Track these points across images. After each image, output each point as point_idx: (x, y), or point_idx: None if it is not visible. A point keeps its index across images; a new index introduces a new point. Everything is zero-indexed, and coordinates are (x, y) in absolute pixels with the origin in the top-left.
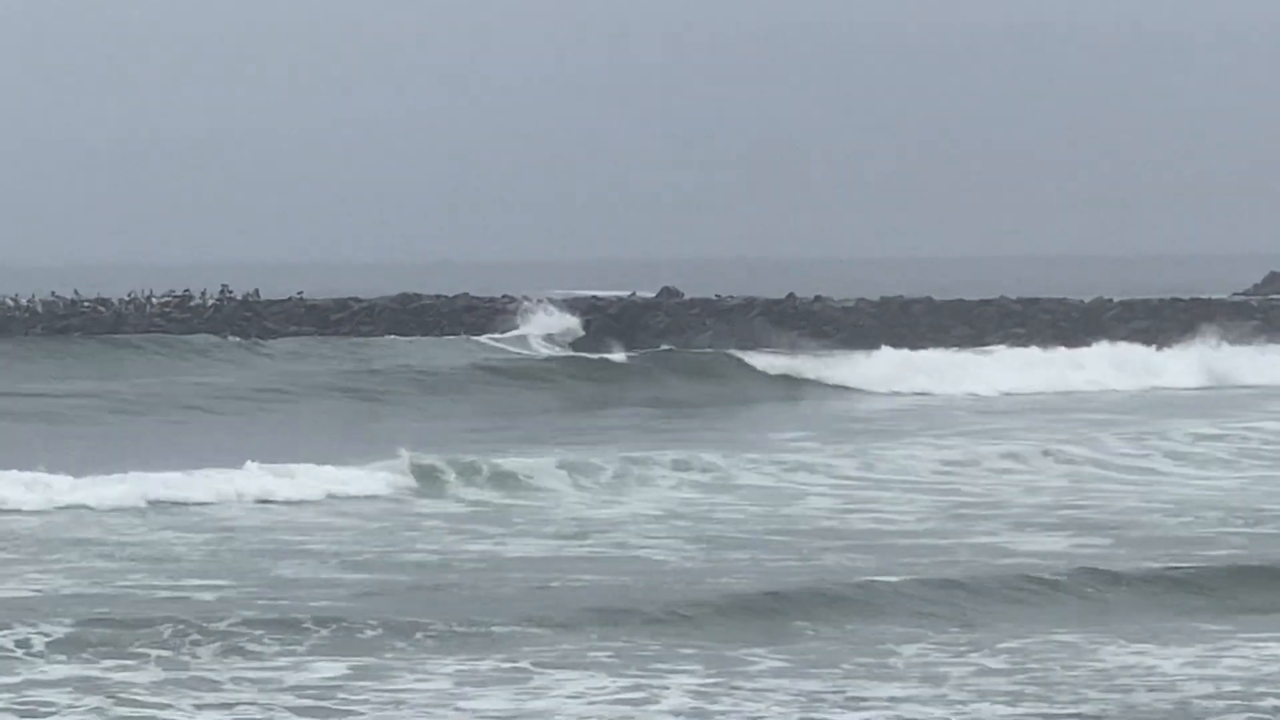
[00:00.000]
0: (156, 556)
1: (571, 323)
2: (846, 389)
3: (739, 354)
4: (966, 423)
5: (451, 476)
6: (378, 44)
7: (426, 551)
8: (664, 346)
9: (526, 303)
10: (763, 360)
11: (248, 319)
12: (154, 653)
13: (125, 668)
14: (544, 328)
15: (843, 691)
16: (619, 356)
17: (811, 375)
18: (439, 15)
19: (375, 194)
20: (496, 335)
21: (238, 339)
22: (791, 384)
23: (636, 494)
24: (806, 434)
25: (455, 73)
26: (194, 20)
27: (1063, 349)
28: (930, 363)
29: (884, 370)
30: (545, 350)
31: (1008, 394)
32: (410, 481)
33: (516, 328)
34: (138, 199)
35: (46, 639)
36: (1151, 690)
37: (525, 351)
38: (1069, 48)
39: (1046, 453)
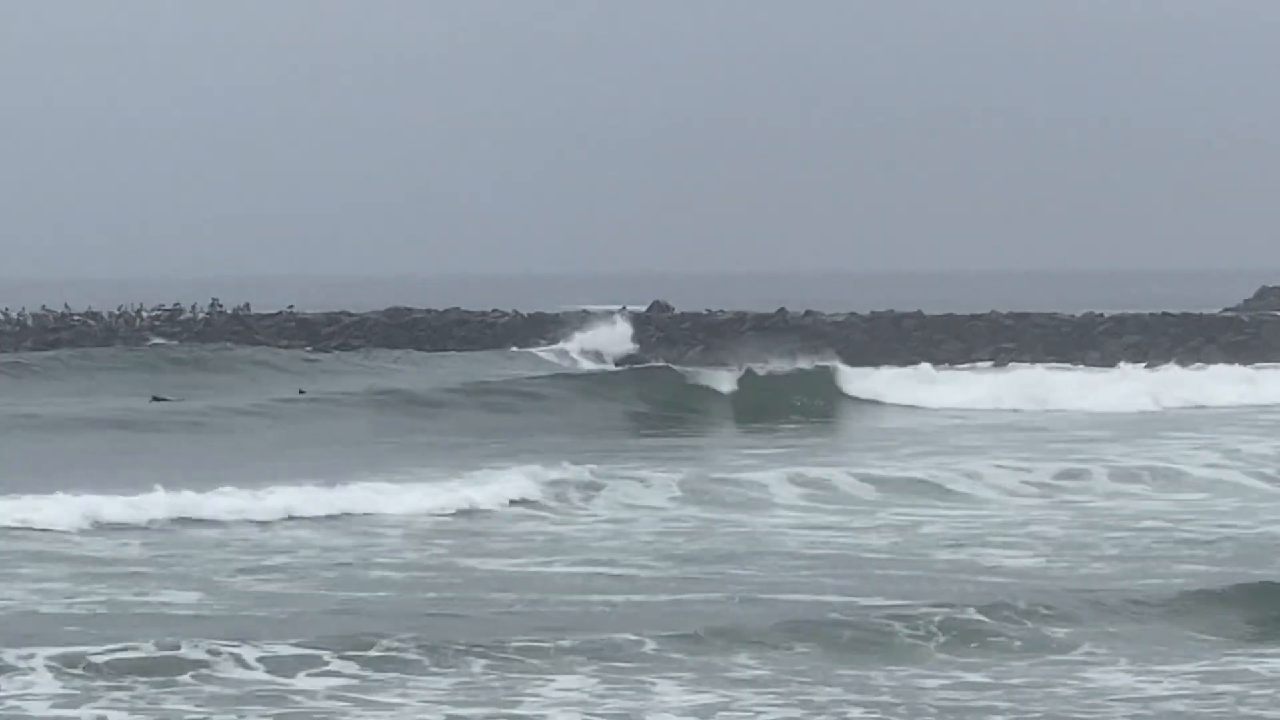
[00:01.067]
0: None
1: (624, 337)
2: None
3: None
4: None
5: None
6: (375, 48)
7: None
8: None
9: (570, 315)
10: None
11: (238, 332)
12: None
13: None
14: (590, 342)
15: (824, 700)
16: (724, 378)
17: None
18: (434, 24)
19: (361, 210)
20: (543, 348)
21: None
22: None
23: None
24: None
25: (444, 79)
26: (187, 27)
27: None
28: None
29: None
30: (588, 364)
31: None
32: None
33: (562, 340)
34: (129, 212)
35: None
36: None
37: (601, 366)
38: (1063, 60)
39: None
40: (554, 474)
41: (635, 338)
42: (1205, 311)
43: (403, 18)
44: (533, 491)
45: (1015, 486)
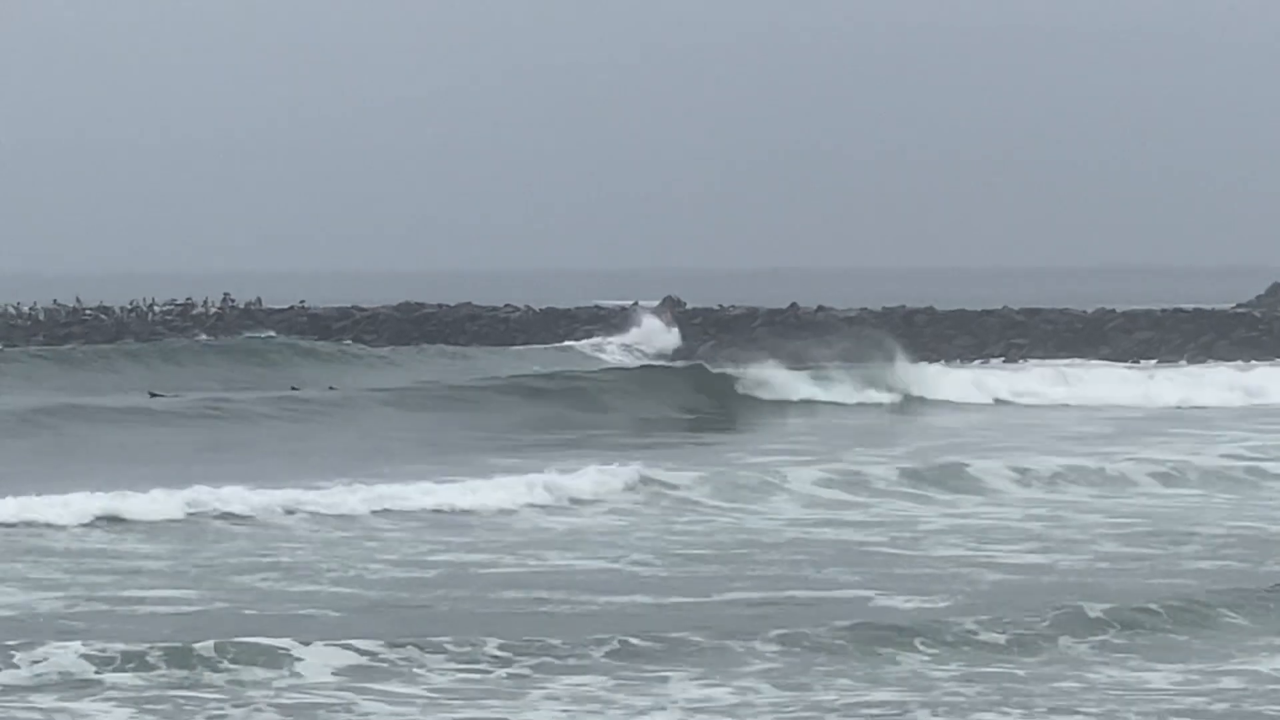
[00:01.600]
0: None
1: (668, 332)
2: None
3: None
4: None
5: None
6: (381, 49)
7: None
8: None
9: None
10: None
11: (249, 327)
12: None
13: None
14: (634, 338)
15: (835, 696)
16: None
17: None
18: (440, 23)
19: (374, 203)
20: (581, 342)
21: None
22: None
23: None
24: None
25: (453, 77)
26: (198, 28)
27: None
28: None
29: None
30: (624, 359)
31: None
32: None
33: (601, 335)
34: (141, 208)
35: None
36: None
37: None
38: (1074, 56)
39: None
40: (604, 473)
41: (680, 334)
42: (1217, 307)
43: (408, 17)
44: (582, 490)
45: (1048, 481)
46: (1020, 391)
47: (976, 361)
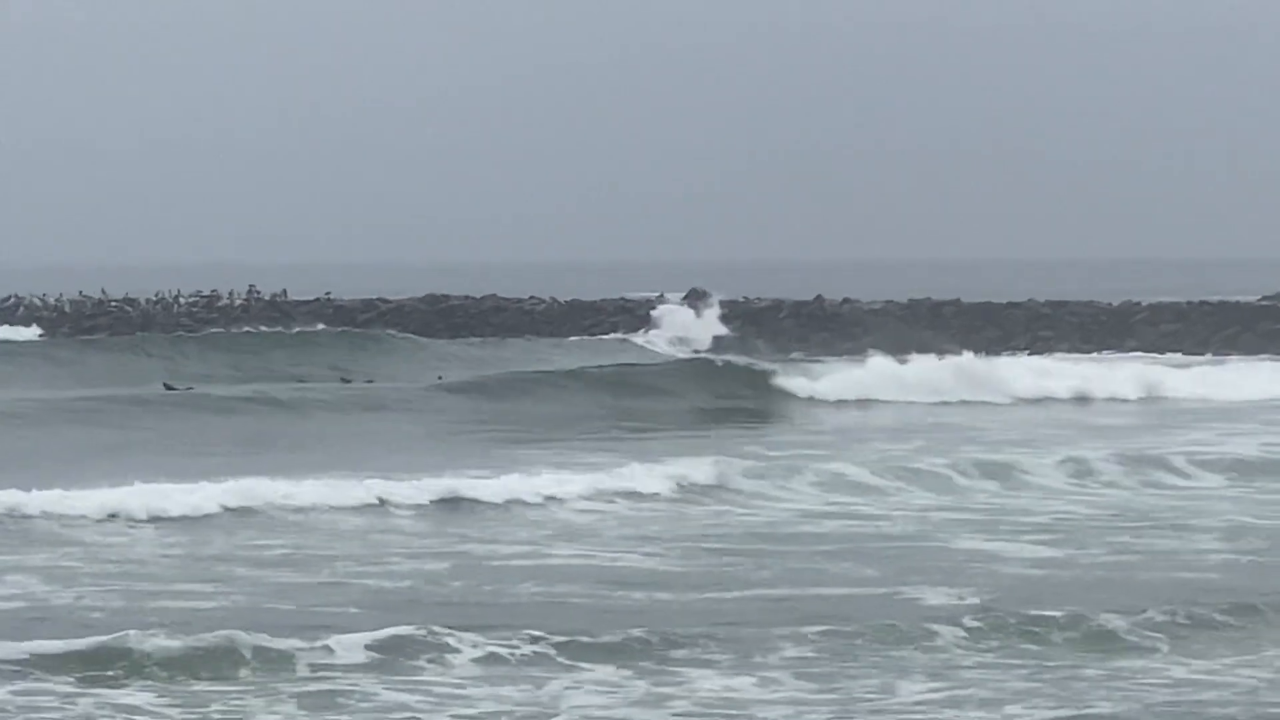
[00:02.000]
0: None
1: (712, 325)
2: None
3: None
4: None
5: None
6: (397, 43)
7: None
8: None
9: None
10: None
11: (275, 319)
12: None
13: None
14: (678, 330)
15: (861, 687)
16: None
17: None
18: (452, 19)
19: (374, 201)
20: (624, 336)
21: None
22: None
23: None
24: None
25: (468, 70)
26: (213, 23)
27: None
28: None
29: None
30: (675, 352)
31: None
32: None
33: (646, 328)
34: (164, 199)
35: None
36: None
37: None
38: (1095, 49)
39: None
40: (669, 468)
41: (725, 324)
42: (1243, 299)
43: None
44: (643, 484)
45: (1073, 475)
46: (1090, 377)
47: (1005, 353)
